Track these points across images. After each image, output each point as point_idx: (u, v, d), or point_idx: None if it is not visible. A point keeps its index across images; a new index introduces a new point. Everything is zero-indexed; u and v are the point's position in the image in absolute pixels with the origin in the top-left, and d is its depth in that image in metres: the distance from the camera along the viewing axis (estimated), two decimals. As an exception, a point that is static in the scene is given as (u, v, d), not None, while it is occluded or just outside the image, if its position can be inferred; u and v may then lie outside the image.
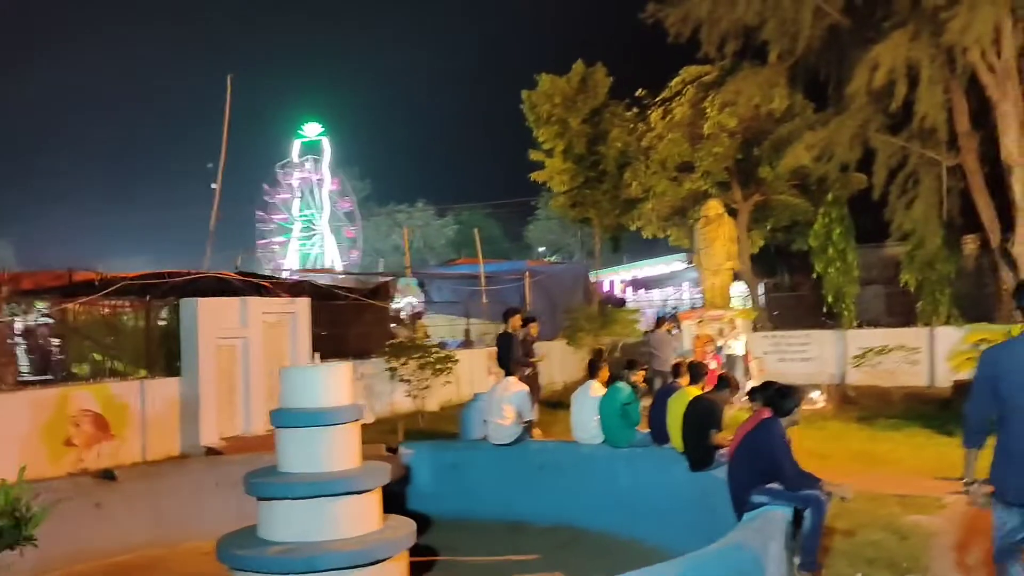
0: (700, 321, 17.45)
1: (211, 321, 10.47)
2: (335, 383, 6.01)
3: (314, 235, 66.98)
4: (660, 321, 14.31)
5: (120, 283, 10.36)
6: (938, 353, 17.71)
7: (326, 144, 67.69)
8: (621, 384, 8.13)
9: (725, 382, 7.27)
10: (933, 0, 14.13)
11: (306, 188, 67.43)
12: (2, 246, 51.56)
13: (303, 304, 12.09)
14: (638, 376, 8.22)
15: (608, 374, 8.55)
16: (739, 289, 23.47)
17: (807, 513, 5.24)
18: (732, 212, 22.17)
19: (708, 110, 19.65)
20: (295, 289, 12.83)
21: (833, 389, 17.01)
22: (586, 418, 8.29)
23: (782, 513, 5.11)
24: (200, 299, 10.40)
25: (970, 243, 19.90)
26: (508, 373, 9.13)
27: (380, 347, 13.93)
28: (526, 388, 8.93)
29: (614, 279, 41.55)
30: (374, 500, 6.10)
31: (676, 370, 8.03)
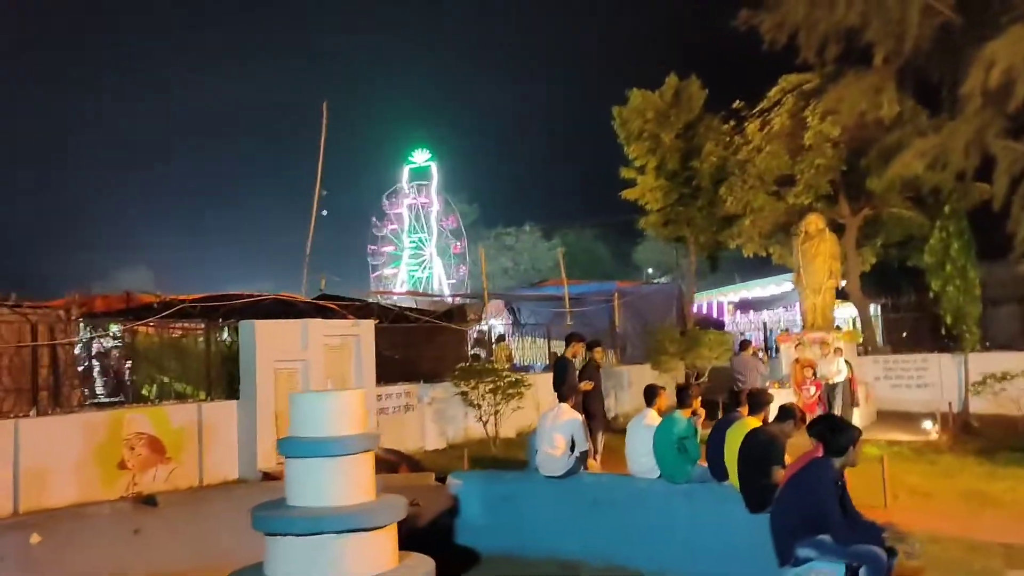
0: (799, 344, 16.28)
1: (269, 344, 10.35)
2: (346, 410, 5.59)
3: (423, 259, 68.06)
4: (744, 345, 13.34)
5: (179, 306, 10.39)
6: (1075, 379, 15.87)
7: (434, 170, 68.87)
8: (678, 414, 7.40)
9: (789, 413, 6.44)
10: (1056, -13, 12.75)
11: (415, 213, 68.74)
12: (143, 275, 54.39)
13: (367, 327, 11.85)
14: (694, 403, 7.45)
15: (666, 402, 7.82)
16: (847, 310, 21.99)
17: (862, 572, 4.42)
18: (839, 227, 20.80)
19: (809, 119, 18.49)
20: (363, 312, 12.64)
21: (951, 418, 15.51)
22: (641, 450, 7.59)
23: (830, 571, 4.32)
24: (258, 321, 10.29)
25: (1113, 258, 17.87)
26: (562, 399, 8.51)
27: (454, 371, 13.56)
28: (579, 416, 8.30)
29: (722, 300, 40.02)
30: (386, 537, 5.63)
31: (736, 398, 7.21)
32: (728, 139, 20.70)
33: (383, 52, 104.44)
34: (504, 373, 12.95)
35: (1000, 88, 14.31)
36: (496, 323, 19.22)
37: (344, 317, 12.07)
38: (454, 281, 66.65)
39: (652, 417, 7.70)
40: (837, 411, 15.16)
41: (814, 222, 16.92)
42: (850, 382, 15.23)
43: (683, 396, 7.46)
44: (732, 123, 21.06)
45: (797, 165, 19.07)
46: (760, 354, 14.10)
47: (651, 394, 7.92)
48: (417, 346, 13.60)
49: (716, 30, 18.61)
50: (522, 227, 71.39)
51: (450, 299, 23.83)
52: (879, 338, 25.64)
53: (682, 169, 21.26)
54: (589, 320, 19.22)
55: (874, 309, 27.67)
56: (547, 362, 19.42)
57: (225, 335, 10.75)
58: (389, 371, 12.92)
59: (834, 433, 4.68)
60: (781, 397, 16.30)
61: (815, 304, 16.84)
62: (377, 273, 66.79)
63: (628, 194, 21.85)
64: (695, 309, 41.47)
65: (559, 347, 19.73)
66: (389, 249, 68.07)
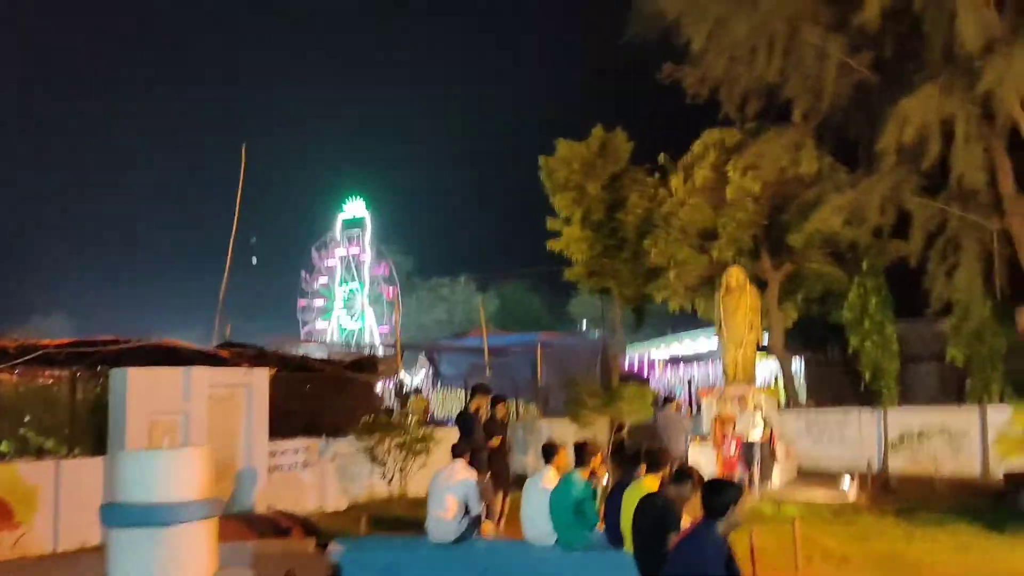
0: (720, 399, 15.95)
1: (144, 394, 9.49)
2: (180, 471, 4.88)
3: (354, 311, 66.91)
4: (668, 399, 12.92)
5: (39, 351, 9.50)
6: (991, 436, 15.84)
7: (368, 220, 68.14)
8: (575, 475, 6.83)
9: (686, 475, 5.92)
10: (966, 48, 12.94)
11: (347, 264, 67.75)
12: (57, 319, 51.97)
13: (260, 375, 11.07)
14: (595, 462, 6.89)
15: (566, 461, 7.24)
16: (771, 364, 21.89)
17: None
18: (762, 282, 20.78)
19: (731, 174, 18.49)
20: (259, 360, 11.85)
21: (870, 477, 15.27)
22: (537, 514, 6.99)
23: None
24: (131, 369, 9.45)
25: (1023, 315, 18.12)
26: (456, 455, 7.88)
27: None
28: (474, 475, 7.68)
29: (653, 355, 39.89)
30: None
31: (636, 457, 6.69)
32: (653, 191, 20.63)
33: (317, 100, 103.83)
34: (411, 427, 12.23)
35: (914, 145, 14.48)
36: (416, 374, 18.50)
37: (237, 365, 11.27)
38: (387, 329, 65.55)
39: (549, 477, 7.12)
40: (756, 469, 14.81)
41: (735, 275, 16.76)
42: (770, 439, 14.90)
43: (581, 455, 6.90)
44: (657, 176, 21.02)
45: (719, 219, 19.02)
46: (683, 409, 13.67)
47: (549, 452, 7.35)
48: (321, 398, 12.81)
49: (645, 83, 18.57)
50: (457, 278, 70.90)
51: (373, 349, 23.08)
52: (802, 393, 25.66)
53: (607, 220, 21.06)
54: (512, 372, 18.68)
55: (798, 364, 27.80)
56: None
57: (98, 385, 9.85)
58: (288, 424, 12.09)
59: (711, 494, 4.17)
60: (702, 454, 15.97)
61: (736, 358, 16.59)
62: (308, 327, 65.19)
63: (553, 245, 21.55)
64: (626, 363, 41.39)
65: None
66: (320, 302, 66.75)
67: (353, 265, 67.54)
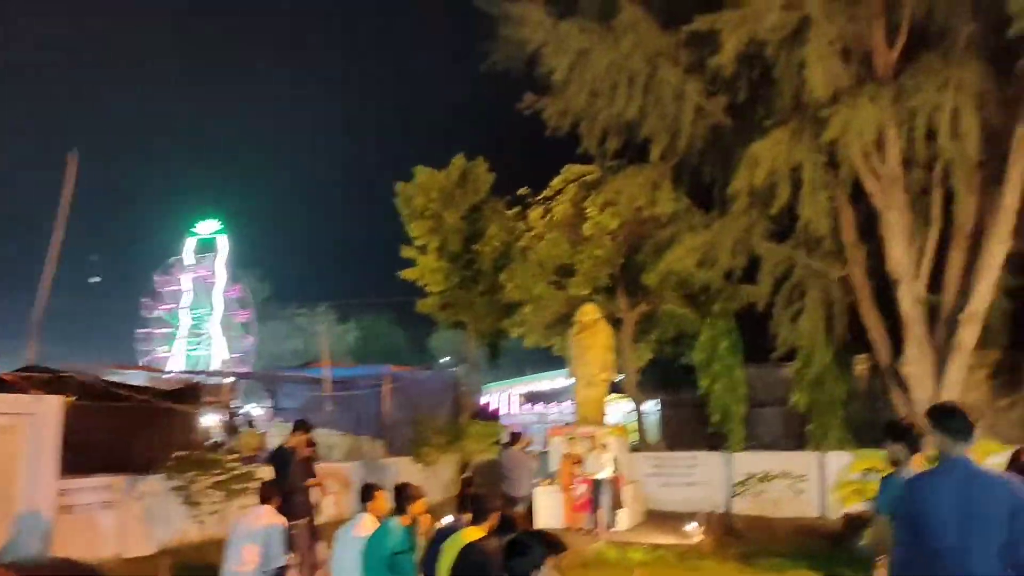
0: (570, 439, 15.51)
1: None
2: None
3: (203, 337, 63.46)
4: (514, 438, 12.30)
5: None
6: (829, 480, 16.10)
7: (221, 242, 65.03)
8: (393, 523, 6.02)
9: (510, 524, 5.23)
10: (815, 97, 13.17)
11: (198, 287, 64.30)
12: None
13: (51, 404, 9.67)
14: (416, 507, 6.10)
15: (385, 506, 6.42)
16: (625, 405, 21.79)
17: None
18: (617, 321, 20.71)
19: (589, 210, 18.34)
20: (56, 386, 10.43)
21: (716, 519, 15.17)
22: (347, 566, 6.12)
23: None
24: None
25: (861, 363, 18.72)
26: (263, 500, 6.90)
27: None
28: (281, 521, 6.73)
29: (510, 392, 39.53)
30: None
31: (462, 503, 5.96)
32: (512, 224, 20.27)
33: (175, 122, 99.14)
34: (230, 464, 11.04)
35: (764, 190, 14.62)
36: (252, 407, 17.16)
37: (23, 391, 9.83)
38: (239, 355, 62.38)
39: (364, 524, 6.28)
40: (604, 510, 14.40)
41: (589, 312, 16.48)
42: (615, 480, 14.54)
43: (400, 500, 6.09)
44: (518, 208, 20.68)
45: (577, 255, 18.81)
46: (531, 448, 13.07)
47: (366, 494, 6.51)
48: (130, 430, 11.45)
49: (508, 115, 18.18)
50: (316, 308, 68.62)
51: (214, 378, 21.41)
52: (657, 434, 25.76)
53: (464, 252, 20.53)
54: (356, 406, 17.63)
55: (653, 405, 27.98)
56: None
57: None
58: (88, 460, 10.67)
59: (512, 556, 3.47)
60: (550, 495, 15.44)
61: (588, 397, 16.25)
62: (149, 356, 61.01)
63: (407, 274, 20.78)
64: (483, 400, 40.80)
65: (317, 436, 17.96)
66: (164, 331, 62.71)
67: (202, 289, 64.09)
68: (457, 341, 62.83)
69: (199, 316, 63.75)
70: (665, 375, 24.48)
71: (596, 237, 18.46)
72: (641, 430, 21.16)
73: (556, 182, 19.56)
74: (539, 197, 19.89)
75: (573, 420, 16.63)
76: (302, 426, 8.40)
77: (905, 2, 13.86)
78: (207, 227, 64.99)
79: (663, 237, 17.01)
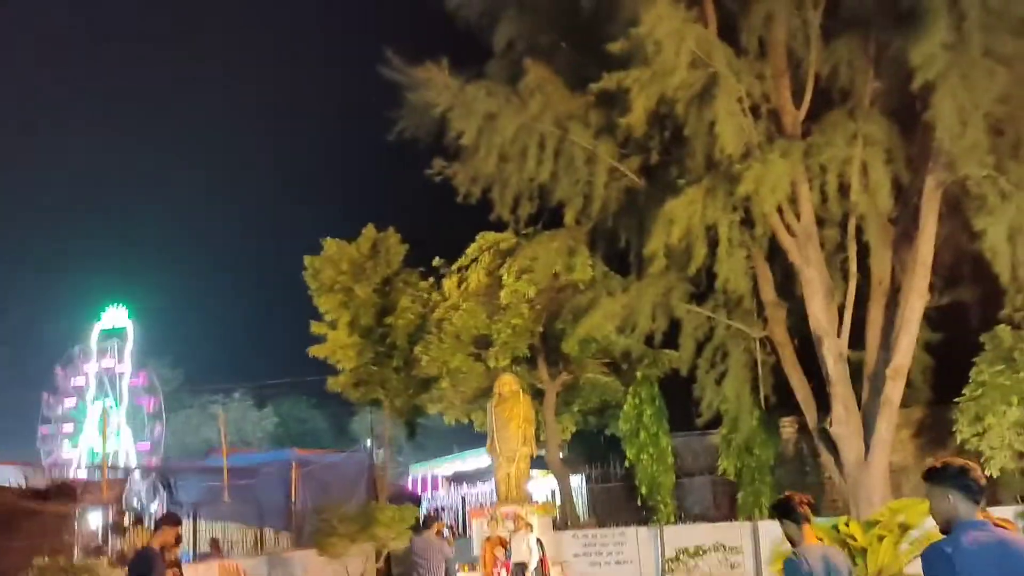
0: (491, 519, 14.48)
1: None
2: None
3: (109, 431, 59.82)
4: (428, 521, 11.24)
5: None
6: (765, 552, 15.39)
7: (130, 331, 62.01)
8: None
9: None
10: (726, 153, 12.96)
11: (103, 379, 60.91)
12: None
13: None
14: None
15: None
16: (549, 481, 20.85)
17: None
18: (539, 393, 19.92)
19: (505, 278, 17.70)
20: None
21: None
22: None
23: None
24: None
25: (788, 425, 18.32)
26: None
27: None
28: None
29: (436, 473, 38.01)
30: None
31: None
32: (427, 296, 19.44)
33: (79, 201, 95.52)
34: (103, 572, 9.66)
35: (681, 251, 14.28)
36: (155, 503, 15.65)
37: None
38: (148, 447, 58.80)
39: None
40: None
41: (508, 383, 15.70)
42: (542, 563, 13.54)
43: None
44: (431, 280, 19.91)
45: (494, 325, 18.06)
46: (447, 532, 12.00)
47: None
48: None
49: (420, 184, 17.57)
50: (231, 394, 65.80)
51: (120, 471, 19.72)
52: (582, 511, 24.77)
53: (377, 326, 19.54)
54: (262, 495, 16.27)
55: (579, 480, 27.02)
56: (205, 550, 16.01)
57: None
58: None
59: None
60: (472, 583, 14.31)
61: (509, 474, 15.34)
62: (52, 458, 56.85)
63: (316, 351, 19.62)
64: (410, 482, 39.03)
65: (218, 530, 16.48)
66: (69, 427, 58.75)
67: (108, 381, 60.66)
68: (379, 422, 60.94)
69: (104, 410, 60.18)
70: (592, 448, 23.67)
71: (513, 305, 17.76)
72: (568, 507, 20.18)
73: (471, 250, 18.90)
74: (454, 266, 19.16)
75: (494, 500, 15.66)
76: (169, 520, 7.24)
77: (809, 61, 13.94)
78: (113, 316, 61.92)
79: (581, 303, 16.46)
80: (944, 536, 3.32)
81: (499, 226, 18.38)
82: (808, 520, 4.51)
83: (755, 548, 15.34)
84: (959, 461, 3.42)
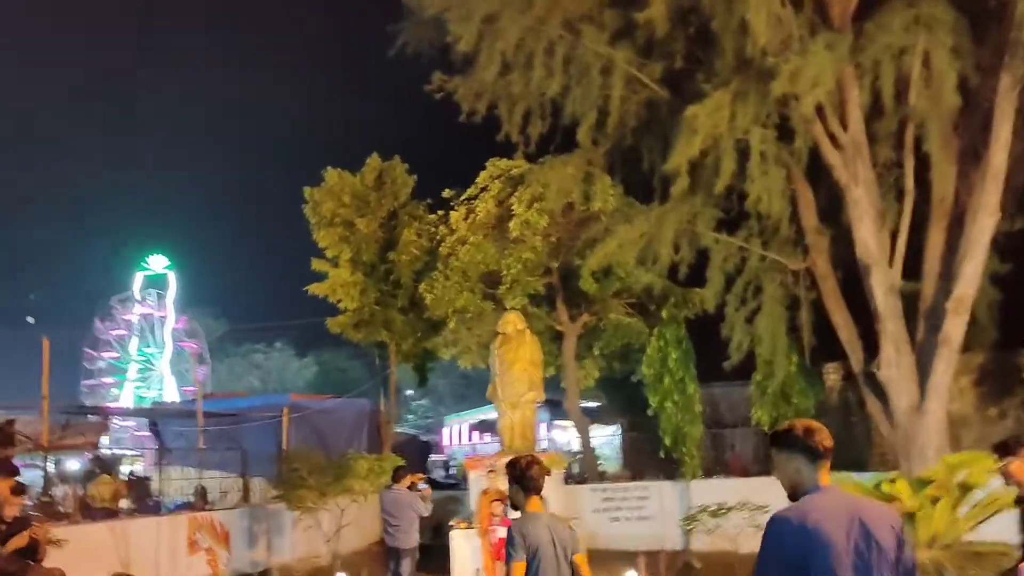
0: (490, 471, 12.93)
1: None
2: None
3: (151, 376, 60.20)
4: (399, 474, 9.77)
5: None
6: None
7: (172, 278, 62.14)
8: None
9: None
10: (759, 47, 10.96)
11: (147, 325, 61.17)
12: None
13: None
14: None
15: None
16: (569, 432, 19.31)
17: None
18: (558, 335, 18.31)
19: (515, 207, 15.98)
20: None
21: (666, 559, 12.68)
22: None
23: None
24: None
25: (832, 372, 16.42)
26: None
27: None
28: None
29: (463, 424, 36.96)
30: None
31: None
32: (433, 229, 17.83)
33: (124, 153, 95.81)
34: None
35: (707, 167, 12.39)
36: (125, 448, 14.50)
37: None
38: (193, 390, 59.06)
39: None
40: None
41: (512, 321, 14.02)
42: (546, 520, 12.01)
43: None
44: (440, 212, 18.27)
45: (504, 260, 16.39)
46: (423, 486, 10.53)
47: None
48: None
49: (433, 111, 15.88)
50: (272, 344, 65.76)
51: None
52: (616, 463, 23.23)
53: (380, 263, 18.04)
54: (251, 443, 15.05)
55: (615, 430, 25.43)
56: (192, 498, 14.89)
57: None
58: None
59: None
60: (468, 540, 12.86)
61: (512, 422, 13.73)
62: (93, 381, 57.65)
63: (315, 289, 18.19)
64: (446, 434, 37.96)
65: (209, 478, 15.37)
66: (111, 356, 59.35)
67: (148, 328, 60.94)
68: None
69: (147, 356, 60.58)
70: (627, 396, 22.00)
71: (524, 238, 16.06)
72: (589, 459, 18.65)
73: (481, 178, 17.18)
74: (462, 198, 17.48)
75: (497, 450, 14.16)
76: (4, 469, 5.79)
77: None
78: (157, 262, 62.14)
79: (596, 232, 14.68)
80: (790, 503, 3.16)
81: (511, 154, 16.68)
82: (538, 489, 4.24)
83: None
84: (804, 423, 3.26)
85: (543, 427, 25.93)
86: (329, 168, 18.41)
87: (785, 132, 12.17)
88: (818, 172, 12.97)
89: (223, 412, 16.21)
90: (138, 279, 61.92)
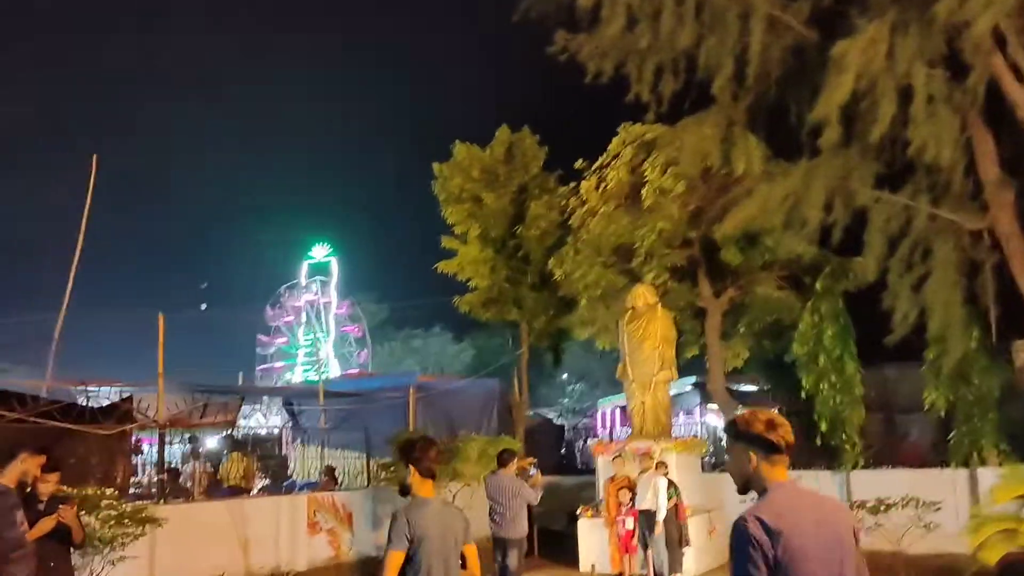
0: (618, 457, 11.98)
1: None
2: None
3: (318, 360, 63.03)
4: (505, 457, 8.99)
5: None
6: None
7: (334, 266, 64.84)
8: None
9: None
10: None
11: (312, 311, 64.14)
12: None
13: None
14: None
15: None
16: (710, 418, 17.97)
17: None
18: (700, 312, 16.99)
19: (648, 173, 14.81)
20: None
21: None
22: None
23: None
24: None
25: (1021, 350, 14.22)
26: None
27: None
28: None
29: (616, 408, 35.84)
30: None
31: None
32: (564, 202, 16.91)
33: (287, 142, 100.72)
34: (107, 501, 8.26)
35: (863, 113, 10.81)
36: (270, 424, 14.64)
37: None
38: (357, 373, 61.47)
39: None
40: (660, 552, 10.86)
41: (642, 295, 12.98)
42: (676, 511, 10.94)
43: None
44: (572, 184, 17.32)
45: (637, 231, 15.26)
46: (533, 471, 9.72)
47: None
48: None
49: (569, 79, 14.93)
50: (431, 328, 67.14)
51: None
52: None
53: (510, 238, 17.32)
54: (376, 423, 14.80)
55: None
56: (319, 478, 14.82)
57: None
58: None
59: None
60: (595, 531, 11.99)
61: (643, 404, 12.71)
62: (266, 365, 61.25)
63: (444, 267, 17.74)
64: (599, 416, 37.03)
65: (339, 458, 15.26)
66: (281, 341, 62.88)
67: (312, 314, 63.86)
68: (583, 355, 59.56)
69: (312, 340, 63.53)
70: (778, 377, 20.26)
71: (660, 206, 14.85)
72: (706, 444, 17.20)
73: (613, 145, 16.07)
74: (594, 167, 16.44)
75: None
76: (31, 447, 5.36)
77: None
78: (320, 251, 65.12)
79: (736, 194, 13.28)
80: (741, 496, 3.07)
81: (644, 117, 15.47)
82: (432, 473, 4.14)
83: (966, 500, 11.83)
84: (766, 415, 3.08)
85: (696, 411, 24.45)
86: (457, 142, 17.89)
87: (956, 67, 10.39)
88: (999, 113, 11.04)
89: (348, 392, 16.07)
90: (304, 268, 65.10)
